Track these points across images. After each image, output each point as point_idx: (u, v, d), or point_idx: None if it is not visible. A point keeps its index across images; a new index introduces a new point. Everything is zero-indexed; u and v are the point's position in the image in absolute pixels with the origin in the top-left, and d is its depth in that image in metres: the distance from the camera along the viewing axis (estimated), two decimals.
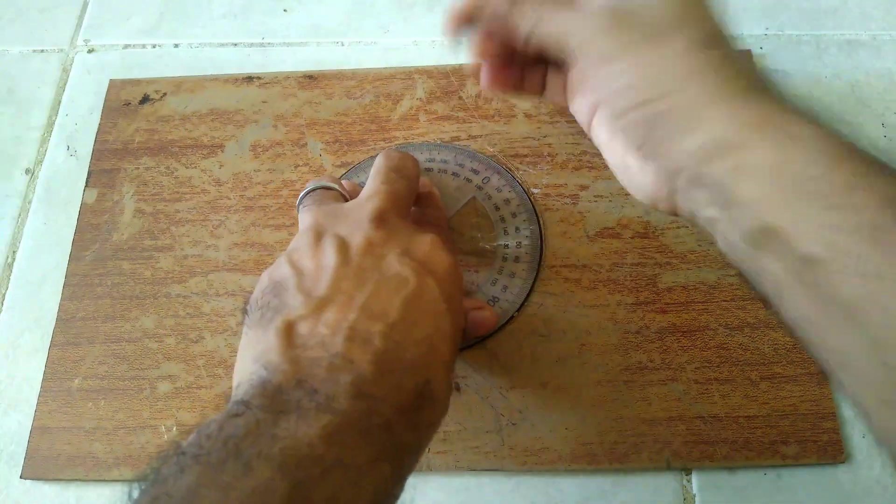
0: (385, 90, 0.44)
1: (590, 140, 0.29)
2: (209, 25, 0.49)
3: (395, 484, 0.24)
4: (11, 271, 0.41)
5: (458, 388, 0.36)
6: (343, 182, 0.38)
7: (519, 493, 0.34)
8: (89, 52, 0.49)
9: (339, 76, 0.45)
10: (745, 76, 0.25)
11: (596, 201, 0.40)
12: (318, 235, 0.29)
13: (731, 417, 0.34)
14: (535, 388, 0.36)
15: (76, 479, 0.36)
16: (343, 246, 0.28)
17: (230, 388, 0.27)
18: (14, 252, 0.42)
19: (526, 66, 0.32)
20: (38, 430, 0.36)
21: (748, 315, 0.36)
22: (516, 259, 0.38)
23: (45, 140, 0.45)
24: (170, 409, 0.36)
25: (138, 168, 0.43)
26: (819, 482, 0.34)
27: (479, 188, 0.40)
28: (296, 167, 0.42)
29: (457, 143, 0.42)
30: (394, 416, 0.24)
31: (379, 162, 0.34)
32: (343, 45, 0.47)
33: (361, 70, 0.45)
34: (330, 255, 0.28)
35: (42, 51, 0.49)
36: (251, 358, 0.26)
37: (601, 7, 0.27)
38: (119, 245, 0.41)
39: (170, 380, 0.37)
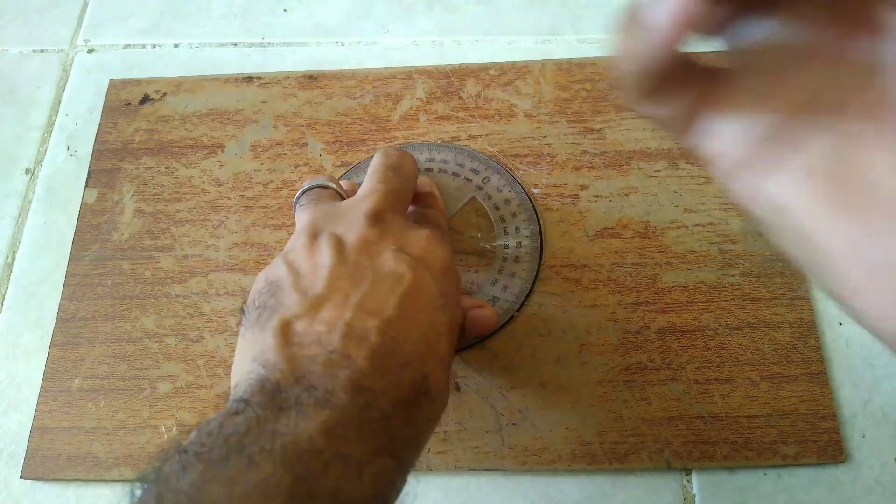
0: (385, 90, 0.44)
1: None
2: (209, 25, 0.49)
3: (397, 476, 0.24)
4: (11, 271, 0.41)
5: (458, 388, 0.36)
6: (342, 182, 0.38)
7: (519, 493, 0.34)
8: (89, 52, 0.49)
9: (339, 76, 0.45)
10: None
11: (596, 201, 0.40)
12: (314, 235, 0.29)
13: (732, 417, 0.34)
14: (535, 388, 0.36)
15: (76, 479, 0.36)
16: (338, 244, 0.29)
17: (230, 387, 0.27)
18: (14, 252, 0.42)
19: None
20: (38, 430, 0.36)
21: (748, 315, 0.36)
22: (516, 259, 0.38)
23: (45, 140, 0.45)
24: (170, 409, 0.36)
25: (138, 168, 0.43)
26: (819, 482, 0.34)
27: (479, 188, 0.40)
28: (296, 167, 0.42)
29: (457, 143, 0.42)
30: (392, 411, 0.24)
31: (375, 160, 0.34)
32: (343, 45, 0.47)
33: (361, 70, 0.45)
34: (325, 254, 0.28)
35: (42, 51, 0.49)
36: (249, 357, 0.26)
37: None
38: (119, 245, 0.41)
39: (170, 380, 0.37)
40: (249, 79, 0.45)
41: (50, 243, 0.42)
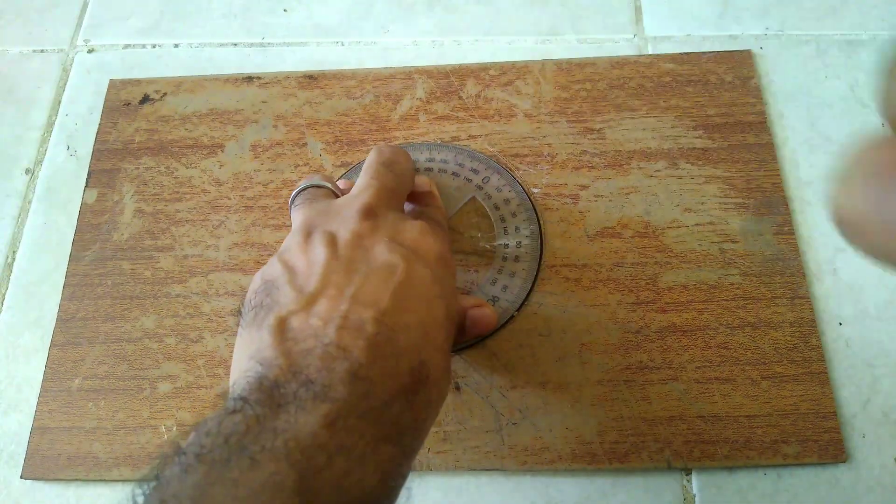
0: (385, 90, 0.44)
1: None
2: (209, 25, 0.49)
3: (401, 463, 0.24)
4: (11, 271, 0.41)
5: (458, 388, 0.36)
6: (342, 181, 0.38)
7: (519, 493, 0.34)
8: (89, 52, 0.49)
9: (339, 76, 0.45)
10: None
11: (596, 201, 0.40)
12: (308, 233, 0.30)
13: (732, 417, 0.34)
14: (536, 387, 0.36)
15: (76, 479, 0.35)
16: (332, 240, 0.29)
17: (228, 387, 0.27)
18: (14, 252, 0.42)
19: None
20: (39, 430, 0.36)
21: (749, 314, 0.36)
22: (516, 259, 0.38)
23: (45, 140, 0.45)
24: (170, 409, 0.36)
25: (138, 168, 0.43)
26: (819, 482, 0.34)
27: (479, 188, 0.40)
28: (296, 167, 0.42)
29: (457, 142, 0.42)
30: (391, 399, 0.24)
31: (369, 157, 0.34)
32: (343, 45, 0.47)
33: (361, 70, 0.45)
34: (319, 251, 0.28)
35: (42, 51, 0.49)
36: (246, 356, 0.26)
37: None
38: (119, 245, 0.41)
39: (170, 380, 0.37)
40: (249, 79, 0.45)
41: (50, 243, 0.42)
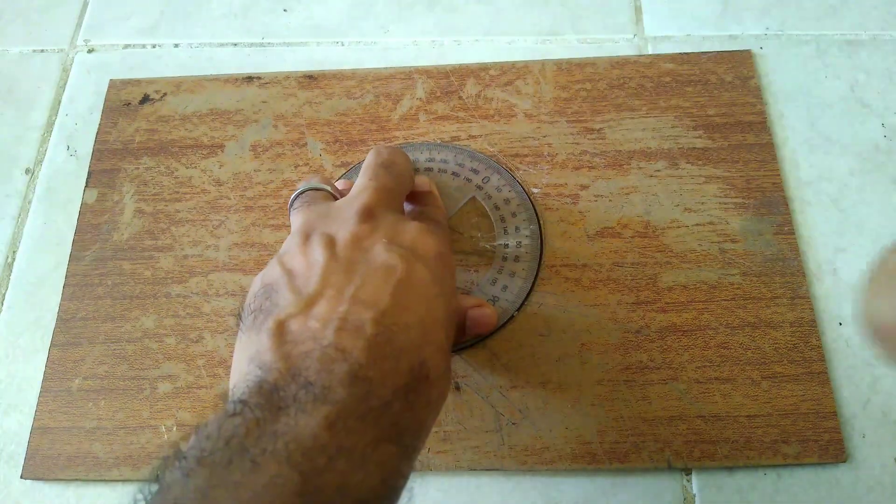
0: (385, 90, 0.44)
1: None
2: (209, 25, 0.49)
3: (402, 462, 0.24)
4: (11, 271, 0.41)
5: (458, 388, 0.36)
6: (341, 181, 0.38)
7: (519, 493, 0.34)
8: (89, 52, 0.49)
9: (339, 76, 0.45)
10: None
11: (596, 201, 0.40)
12: (307, 235, 0.30)
13: (732, 417, 0.34)
14: (536, 387, 0.36)
15: (76, 479, 0.35)
16: (330, 242, 0.29)
17: (229, 389, 0.27)
18: (14, 252, 0.42)
19: None
20: (39, 430, 0.36)
21: (749, 314, 0.36)
22: (516, 259, 0.38)
23: (45, 140, 0.45)
24: (170, 409, 0.36)
25: (138, 168, 0.43)
26: (819, 482, 0.34)
27: (479, 188, 0.40)
28: (296, 167, 0.42)
29: (457, 142, 0.42)
30: (391, 398, 0.24)
31: (368, 158, 0.35)
32: (343, 45, 0.47)
33: (361, 70, 0.45)
34: (318, 253, 0.28)
35: (42, 51, 0.49)
36: (246, 360, 0.26)
37: None
38: (119, 245, 0.41)
39: (170, 380, 0.37)
40: (249, 79, 0.45)
41: (50, 243, 0.42)
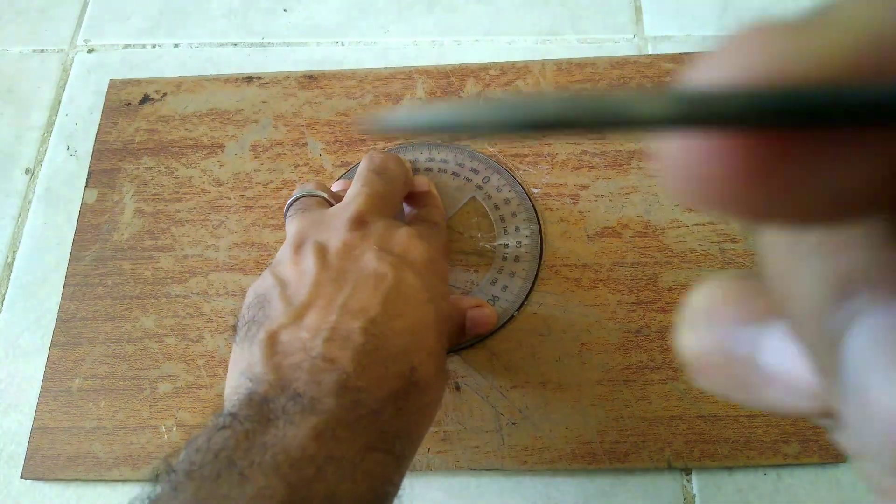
0: (385, 90, 0.44)
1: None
2: (209, 25, 0.49)
3: (392, 470, 0.24)
4: (11, 271, 0.41)
5: (458, 388, 0.36)
6: (340, 181, 0.38)
7: (519, 493, 0.34)
8: (89, 52, 0.48)
9: (339, 76, 0.45)
10: None
11: (596, 201, 0.40)
12: (299, 245, 0.30)
13: (733, 417, 0.34)
14: (536, 387, 0.36)
15: (76, 479, 0.35)
16: (321, 251, 0.29)
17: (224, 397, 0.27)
18: (14, 252, 0.42)
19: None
20: (39, 430, 0.36)
21: None
22: (516, 259, 0.38)
23: (45, 140, 0.45)
24: (170, 409, 0.36)
25: (138, 168, 0.43)
26: (819, 482, 0.34)
27: (479, 188, 0.40)
28: (296, 167, 0.42)
29: (457, 142, 0.42)
30: (380, 406, 0.24)
31: (360, 165, 0.35)
32: (343, 45, 0.47)
33: (361, 70, 0.45)
34: (309, 262, 0.29)
35: (42, 51, 0.49)
36: (238, 372, 0.26)
37: None
38: (119, 245, 0.41)
39: (170, 380, 0.37)
40: (249, 79, 0.45)
41: (50, 243, 0.42)
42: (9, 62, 0.49)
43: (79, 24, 0.50)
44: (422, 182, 0.37)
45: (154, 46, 0.48)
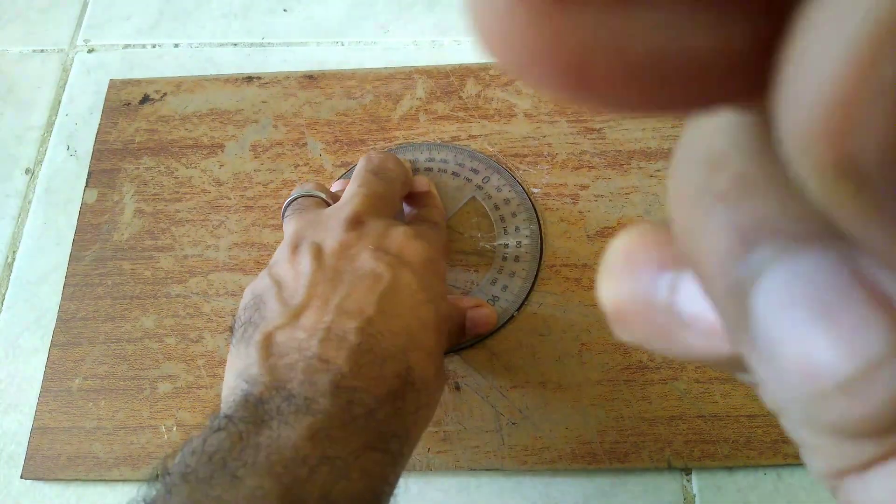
0: (385, 90, 0.44)
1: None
2: (209, 25, 0.49)
3: (388, 469, 0.24)
4: (11, 271, 0.41)
5: (458, 388, 0.36)
6: (340, 181, 0.38)
7: (519, 493, 0.34)
8: (89, 52, 0.48)
9: (339, 76, 0.45)
10: None
11: (596, 201, 0.40)
12: (296, 245, 0.30)
13: (733, 417, 0.34)
14: (536, 387, 0.36)
15: (76, 479, 0.35)
16: (318, 251, 0.29)
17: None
18: (14, 252, 0.42)
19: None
20: (39, 430, 0.36)
21: None
22: (516, 258, 0.38)
23: (45, 140, 0.45)
24: (170, 409, 0.36)
25: (138, 168, 0.43)
26: (819, 482, 0.34)
27: (479, 188, 0.40)
28: (296, 167, 0.42)
29: (457, 142, 0.42)
30: (376, 405, 0.24)
31: (358, 165, 0.35)
32: (343, 45, 0.47)
33: (361, 70, 0.45)
34: (306, 263, 0.29)
35: (42, 51, 0.49)
36: (235, 374, 0.26)
37: None
38: (119, 245, 0.41)
39: (170, 380, 0.37)
40: (249, 79, 0.45)
41: (50, 243, 0.42)
42: (9, 62, 0.49)
43: (79, 24, 0.50)
44: (422, 182, 0.37)
45: (154, 46, 0.48)
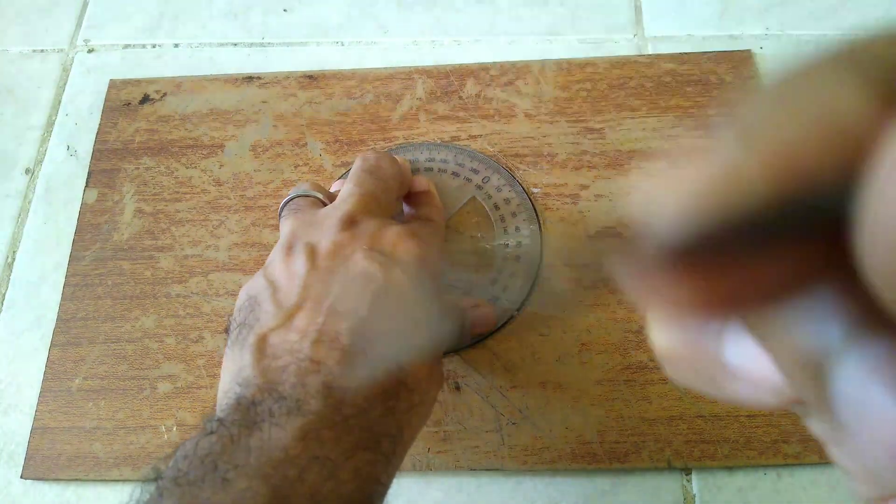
0: (385, 90, 0.44)
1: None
2: (209, 25, 0.49)
3: (380, 469, 0.24)
4: (11, 271, 0.41)
5: (458, 388, 0.36)
6: (339, 182, 0.38)
7: (519, 493, 0.34)
8: (89, 51, 0.48)
9: (339, 76, 0.45)
10: None
11: (596, 201, 0.40)
12: (290, 246, 0.30)
13: (733, 416, 0.34)
14: (536, 387, 0.36)
15: (76, 479, 0.35)
16: (311, 252, 0.29)
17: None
18: (14, 252, 0.42)
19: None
20: (39, 430, 0.36)
21: None
22: (516, 259, 0.38)
23: (45, 140, 0.45)
24: (170, 409, 0.36)
25: (138, 168, 0.43)
26: (819, 482, 0.34)
27: (479, 188, 0.40)
28: (296, 167, 0.42)
29: (457, 142, 0.42)
30: (368, 406, 0.24)
31: (354, 165, 0.35)
32: (343, 45, 0.47)
33: (361, 70, 0.45)
34: (299, 263, 0.29)
35: (42, 51, 0.49)
36: (229, 377, 0.26)
37: None
38: (119, 245, 0.41)
39: (170, 380, 0.37)
40: (249, 79, 0.45)
41: (50, 243, 0.42)
42: (9, 62, 0.49)
43: (79, 24, 0.50)
44: (421, 182, 0.37)
45: (154, 46, 0.48)
